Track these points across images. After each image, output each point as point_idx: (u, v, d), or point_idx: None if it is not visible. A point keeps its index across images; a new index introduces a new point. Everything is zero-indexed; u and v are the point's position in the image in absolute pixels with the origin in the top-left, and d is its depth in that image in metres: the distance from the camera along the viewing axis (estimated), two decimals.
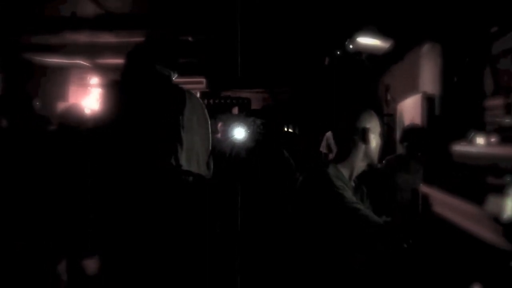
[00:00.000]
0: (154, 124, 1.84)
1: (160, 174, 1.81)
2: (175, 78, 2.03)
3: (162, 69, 1.99)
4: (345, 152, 1.72)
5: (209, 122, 1.98)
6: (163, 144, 1.82)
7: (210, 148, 1.99)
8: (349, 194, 1.60)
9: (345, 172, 1.70)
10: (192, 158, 1.87)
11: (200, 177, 1.91)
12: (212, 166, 2.00)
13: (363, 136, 1.69)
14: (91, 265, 2.95)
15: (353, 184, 1.74)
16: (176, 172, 1.81)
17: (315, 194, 1.60)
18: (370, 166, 1.74)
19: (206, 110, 1.99)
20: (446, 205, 1.60)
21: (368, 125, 1.70)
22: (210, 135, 1.99)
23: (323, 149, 5.90)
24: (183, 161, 1.82)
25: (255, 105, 7.59)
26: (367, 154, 1.71)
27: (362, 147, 1.70)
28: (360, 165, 1.73)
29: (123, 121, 1.86)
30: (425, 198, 1.78)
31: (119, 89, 1.98)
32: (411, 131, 3.50)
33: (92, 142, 1.96)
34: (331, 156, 5.39)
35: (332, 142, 5.66)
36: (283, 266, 1.78)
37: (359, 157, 1.71)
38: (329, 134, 5.85)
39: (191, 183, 1.86)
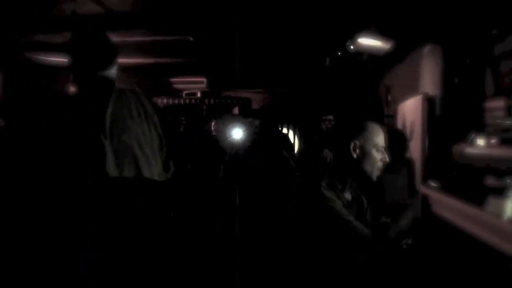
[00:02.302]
0: (75, 135, 1.73)
1: (83, 187, 1.70)
2: (107, 73, 1.90)
3: (101, 71, 1.87)
4: (339, 164, 1.71)
5: (157, 120, 1.85)
6: (82, 156, 1.70)
7: (165, 147, 1.86)
8: (339, 206, 1.59)
9: (338, 184, 1.68)
10: (126, 162, 1.73)
11: (140, 180, 1.77)
12: (172, 166, 1.87)
13: (354, 151, 1.66)
14: (90, 264, 2.95)
15: (348, 197, 1.72)
16: (103, 181, 1.70)
17: (307, 206, 1.59)
18: (368, 179, 1.71)
19: (150, 107, 1.87)
20: (446, 206, 1.60)
21: (361, 140, 1.67)
22: (160, 132, 1.85)
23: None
24: (110, 168, 1.69)
25: (256, 106, 7.58)
26: (362, 168, 1.68)
27: (355, 161, 1.68)
28: (353, 179, 1.71)
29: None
30: (425, 199, 1.78)
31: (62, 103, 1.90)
32: (391, 134, 3.56)
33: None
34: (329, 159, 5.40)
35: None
36: (282, 267, 1.77)
37: (352, 170, 1.69)
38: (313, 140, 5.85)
39: (123, 190, 1.73)
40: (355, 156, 1.65)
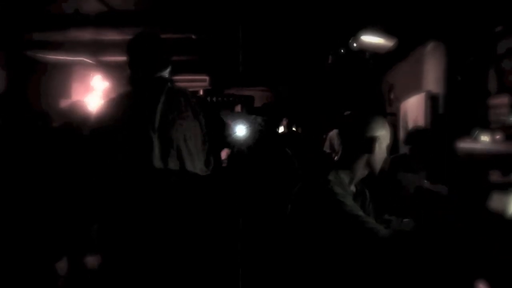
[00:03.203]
0: (127, 129, 1.85)
1: (131, 176, 1.82)
2: (164, 74, 2.00)
3: (157, 71, 1.97)
4: (349, 158, 1.70)
5: (202, 118, 1.95)
6: (131, 149, 1.83)
7: (207, 144, 1.96)
8: (350, 201, 1.58)
9: (346, 177, 1.67)
10: (171, 156, 1.85)
11: (184, 175, 1.87)
12: (212, 162, 1.98)
13: (370, 145, 1.65)
14: (91, 262, 2.97)
15: (353, 189, 1.72)
16: (149, 173, 1.81)
17: (316, 201, 1.58)
18: (371, 173, 1.71)
19: (197, 105, 1.97)
20: None
21: (376, 135, 1.66)
22: (204, 130, 1.96)
23: (326, 148, 5.91)
24: (156, 162, 1.82)
25: (258, 104, 7.58)
26: (370, 162, 1.68)
27: (366, 155, 1.67)
28: (362, 172, 1.70)
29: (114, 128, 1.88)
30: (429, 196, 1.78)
31: (116, 101, 1.97)
32: (415, 133, 3.51)
33: (89, 145, 1.97)
34: (334, 155, 5.39)
35: (335, 142, 5.66)
36: (283, 265, 1.77)
37: (362, 164, 1.68)
38: (332, 134, 5.83)
39: (170, 182, 1.84)
40: (369, 151, 1.64)
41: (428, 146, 3.31)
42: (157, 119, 1.85)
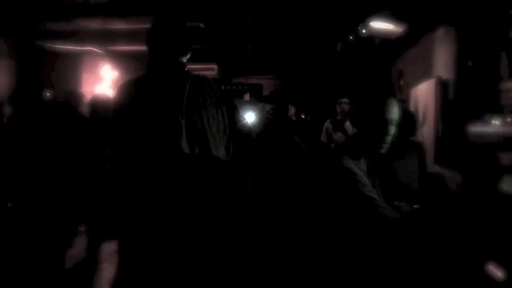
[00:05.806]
0: (155, 113, 1.88)
1: (158, 161, 1.85)
2: (186, 61, 2.03)
3: (180, 57, 2.00)
4: (363, 139, 1.71)
5: (224, 105, 1.99)
6: (160, 132, 1.86)
7: (228, 130, 2.00)
8: (366, 182, 1.60)
9: (359, 157, 1.69)
10: (198, 141, 1.90)
11: (210, 159, 1.91)
12: (231, 148, 2.02)
13: (386, 127, 1.66)
14: (108, 247, 3.02)
15: (365, 168, 1.74)
16: (177, 157, 1.85)
17: (337, 182, 1.59)
18: (382, 155, 1.72)
19: (219, 93, 2.00)
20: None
21: (391, 117, 1.68)
22: (226, 117, 1.99)
23: (323, 138, 5.88)
24: (183, 146, 1.86)
25: (267, 92, 7.58)
26: (383, 143, 1.69)
27: (380, 137, 1.68)
28: (374, 152, 1.71)
29: (136, 113, 1.90)
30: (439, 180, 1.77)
31: (138, 84, 1.98)
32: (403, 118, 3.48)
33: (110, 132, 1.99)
34: (333, 146, 5.39)
35: (331, 132, 5.65)
36: (290, 252, 1.79)
37: (375, 145, 1.69)
38: (327, 124, 5.82)
39: (196, 167, 1.88)
40: (385, 132, 1.66)
41: (415, 128, 3.31)
42: (184, 104, 1.89)
